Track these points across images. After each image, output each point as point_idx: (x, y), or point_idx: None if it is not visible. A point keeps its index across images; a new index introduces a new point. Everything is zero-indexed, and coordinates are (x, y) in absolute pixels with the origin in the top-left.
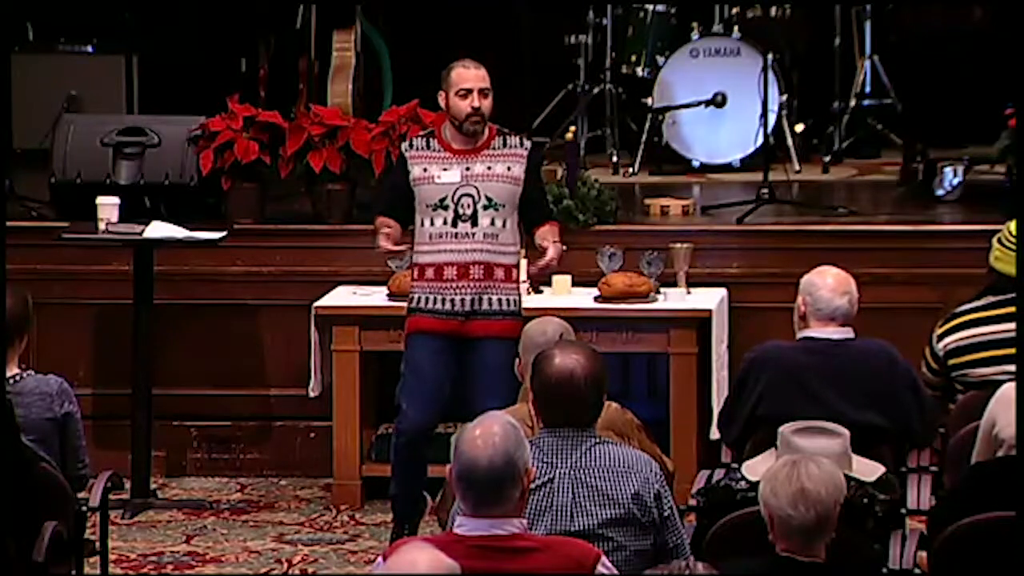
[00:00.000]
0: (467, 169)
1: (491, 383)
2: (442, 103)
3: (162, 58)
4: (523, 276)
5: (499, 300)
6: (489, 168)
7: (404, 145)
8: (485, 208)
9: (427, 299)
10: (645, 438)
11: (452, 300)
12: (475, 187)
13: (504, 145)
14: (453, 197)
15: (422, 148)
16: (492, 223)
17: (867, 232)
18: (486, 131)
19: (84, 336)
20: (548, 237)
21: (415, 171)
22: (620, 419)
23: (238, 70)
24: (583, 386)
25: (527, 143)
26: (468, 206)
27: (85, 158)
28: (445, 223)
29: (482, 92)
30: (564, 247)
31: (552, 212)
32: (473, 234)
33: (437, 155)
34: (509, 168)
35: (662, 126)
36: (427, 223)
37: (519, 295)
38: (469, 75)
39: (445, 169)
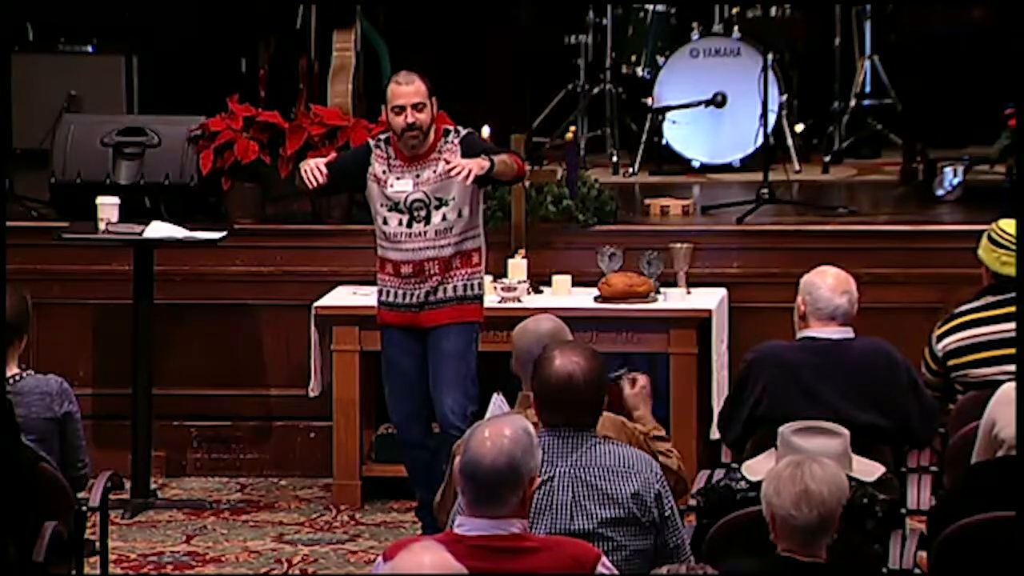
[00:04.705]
0: (417, 176)
1: (441, 370)
2: (383, 116)
3: (162, 58)
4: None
5: (454, 287)
6: (435, 171)
7: (372, 140)
8: (437, 208)
9: (388, 292)
10: (659, 444)
11: (408, 294)
12: (424, 192)
13: (446, 144)
14: (406, 202)
15: (383, 151)
16: (444, 218)
17: (867, 232)
18: (431, 135)
19: (84, 336)
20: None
21: (376, 167)
22: (630, 435)
23: (238, 70)
24: (582, 388)
25: (462, 132)
26: (421, 208)
27: (85, 158)
28: (400, 224)
29: (416, 107)
30: (488, 165)
31: (504, 152)
32: (426, 232)
33: (394, 163)
34: (448, 163)
35: (662, 126)
36: (381, 221)
37: (479, 279)
38: (401, 91)
39: (398, 178)
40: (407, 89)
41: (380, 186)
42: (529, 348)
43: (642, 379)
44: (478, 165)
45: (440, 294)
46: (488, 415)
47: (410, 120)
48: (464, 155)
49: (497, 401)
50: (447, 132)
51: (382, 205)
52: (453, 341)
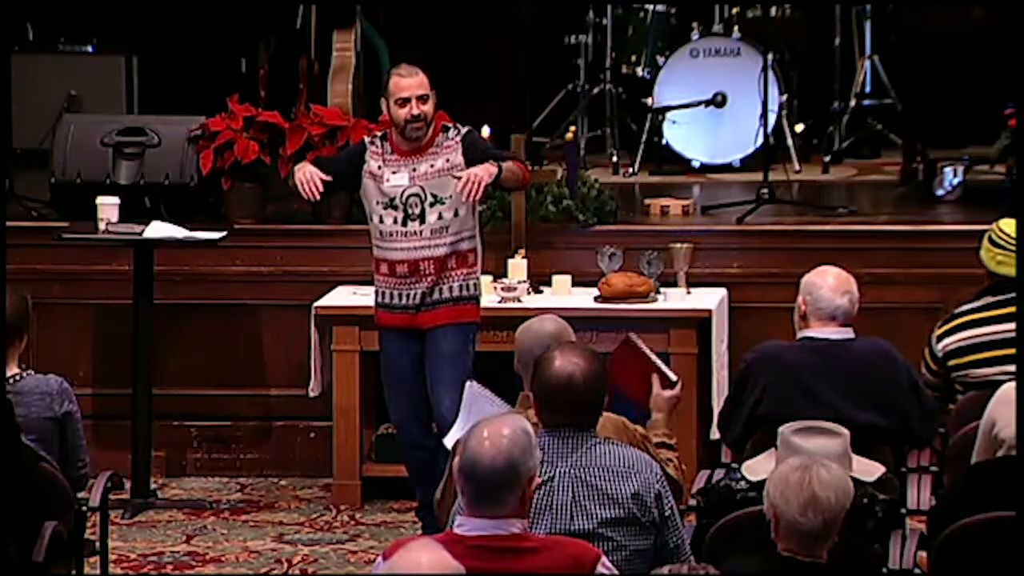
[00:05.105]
0: (413, 170)
1: (438, 371)
2: (384, 110)
3: (162, 58)
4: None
5: (450, 288)
6: (432, 166)
7: (367, 139)
8: (432, 205)
9: (385, 294)
10: (662, 452)
11: (405, 295)
12: (421, 187)
13: (446, 140)
14: (401, 198)
15: (378, 147)
16: (440, 217)
17: (867, 232)
18: (430, 130)
19: (84, 336)
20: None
21: (371, 164)
22: (630, 436)
23: (238, 70)
24: (582, 389)
25: (462, 130)
26: (416, 205)
27: (85, 158)
28: (395, 222)
29: (420, 99)
30: (496, 171)
31: (509, 156)
32: (421, 231)
33: (389, 157)
34: (448, 160)
35: (662, 126)
36: (377, 220)
37: (475, 279)
38: (405, 83)
39: (395, 172)
40: (411, 81)
41: (376, 182)
42: (531, 348)
43: (679, 387)
44: (488, 173)
45: (436, 295)
46: (465, 402)
47: (415, 112)
48: (465, 154)
49: (474, 388)
50: (445, 128)
51: (378, 203)
52: (450, 342)
